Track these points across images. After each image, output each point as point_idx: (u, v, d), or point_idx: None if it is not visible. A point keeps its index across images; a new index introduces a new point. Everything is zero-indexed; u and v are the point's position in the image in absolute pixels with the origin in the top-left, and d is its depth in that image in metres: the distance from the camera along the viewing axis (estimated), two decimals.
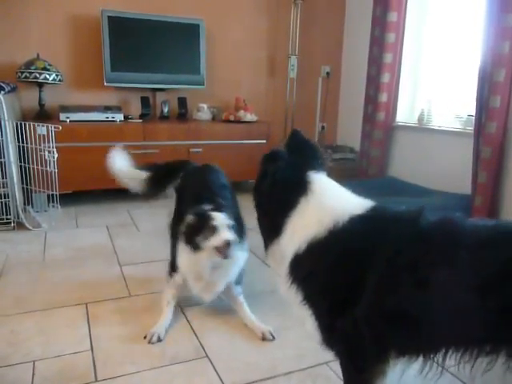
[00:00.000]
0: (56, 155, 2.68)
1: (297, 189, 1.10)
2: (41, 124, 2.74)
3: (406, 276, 0.93)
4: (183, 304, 1.86)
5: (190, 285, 1.71)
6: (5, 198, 2.67)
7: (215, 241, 1.56)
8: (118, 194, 3.44)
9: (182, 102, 3.74)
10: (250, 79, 4.09)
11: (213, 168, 2.03)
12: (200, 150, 3.47)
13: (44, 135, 2.70)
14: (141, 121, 3.46)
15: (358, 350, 1.03)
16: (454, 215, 0.99)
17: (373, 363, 1.05)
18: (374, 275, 0.95)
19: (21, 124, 2.75)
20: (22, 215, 2.75)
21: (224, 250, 1.56)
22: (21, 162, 2.82)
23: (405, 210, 1.04)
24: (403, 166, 3.64)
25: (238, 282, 1.79)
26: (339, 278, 1.02)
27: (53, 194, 2.79)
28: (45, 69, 3.15)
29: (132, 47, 3.49)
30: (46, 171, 2.75)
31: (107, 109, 3.39)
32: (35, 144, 2.75)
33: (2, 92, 2.63)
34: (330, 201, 1.08)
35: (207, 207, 1.66)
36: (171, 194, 2.07)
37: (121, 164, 2.11)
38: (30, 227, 2.73)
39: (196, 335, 1.64)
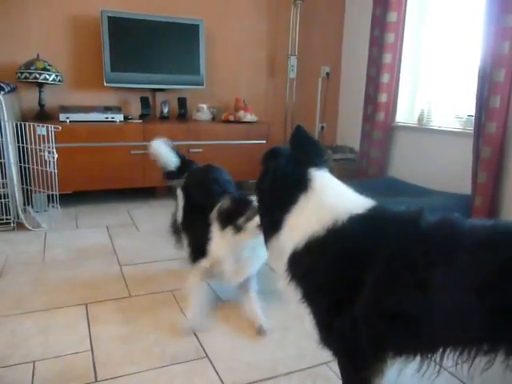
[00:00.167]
0: (56, 155, 2.68)
1: (297, 186, 1.09)
2: (41, 124, 2.75)
3: (405, 276, 0.93)
4: (184, 304, 1.86)
5: (224, 267, 1.74)
6: (5, 198, 2.68)
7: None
8: (118, 194, 3.45)
9: (182, 102, 3.74)
10: (249, 79, 4.09)
11: (215, 167, 2.15)
12: (200, 150, 3.47)
13: (44, 135, 2.70)
14: (141, 121, 3.46)
15: (355, 349, 1.03)
16: (454, 215, 0.99)
17: (371, 362, 1.05)
18: (373, 275, 0.95)
19: (21, 124, 2.75)
20: (21, 215, 2.75)
21: None
22: (21, 162, 2.82)
23: (405, 210, 1.04)
24: (403, 166, 3.64)
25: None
26: (337, 278, 1.02)
27: (53, 195, 2.79)
28: (45, 69, 3.15)
29: (132, 47, 3.49)
30: (46, 171, 2.75)
31: (107, 109, 3.39)
32: (35, 144, 2.75)
33: (2, 92, 2.63)
34: (330, 199, 1.08)
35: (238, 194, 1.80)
36: (173, 192, 2.17)
37: (163, 146, 2.24)
38: (30, 227, 2.73)
39: (196, 335, 1.64)
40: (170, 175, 2.24)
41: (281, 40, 4.09)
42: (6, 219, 2.71)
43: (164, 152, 2.19)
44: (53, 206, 2.85)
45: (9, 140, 2.64)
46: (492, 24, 2.61)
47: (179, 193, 2.09)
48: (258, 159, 1.18)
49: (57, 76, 3.22)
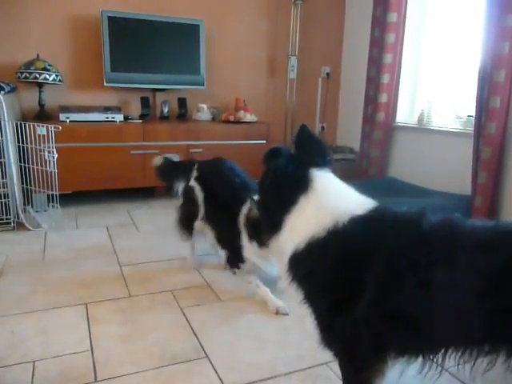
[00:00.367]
0: (56, 155, 2.68)
1: (297, 186, 1.09)
2: (41, 124, 2.74)
3: (407, 276, 0.93)
4: (184, 304, 1.86)
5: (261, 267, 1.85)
6: (5, 198, 2.67)
7: None
8: (117, 194, 3.45)
9: (182, 102, 3.74)
10: (249, 80, 4.09)
11: (226, 159, 2.19)
12: (200, 150, 3.47)
13: (44, 135, 2.70)
14: (141, 121, 3.46)
15: (356, 349, 1.03)
16: (455, 216, 0.99)
17: (372, 363, 1.05)
18: (374, 275, 0.95)
19: (21, 124, 2.75)
20: (21, 215, 2.75)
21: None
22: (21, 162, 2.82)
23: (406, 210, 1.03)
24: (403, 166, 3.64)
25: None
26: (338, 279, 1.02)
27: (53, 194, 2.79)
28: (45, 69, 3.15)
29: (132, 47, 3.49)
30: (46, 171, 2.75)
31: (107, 109, 3.39)
32: (35, 144, 2.75)
33: (2, 92, 2.63)
34: (331, 200, 1.07)
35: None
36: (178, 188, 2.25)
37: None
38: (30, 227, 2.73)
39: (196, 335, 1.64)
40: (169, 174, 2.28)
41: (281, 40, 4.09)
42: (6, 219, 2.71)
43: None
44: (53, 206, 2.85)
45: (9, 140, 2.64)
46: (492, 24, 2.61)
47: (193, 184, 2.11)
48: (259, 159, 1.17)
49: (57, 76, 3.22)
